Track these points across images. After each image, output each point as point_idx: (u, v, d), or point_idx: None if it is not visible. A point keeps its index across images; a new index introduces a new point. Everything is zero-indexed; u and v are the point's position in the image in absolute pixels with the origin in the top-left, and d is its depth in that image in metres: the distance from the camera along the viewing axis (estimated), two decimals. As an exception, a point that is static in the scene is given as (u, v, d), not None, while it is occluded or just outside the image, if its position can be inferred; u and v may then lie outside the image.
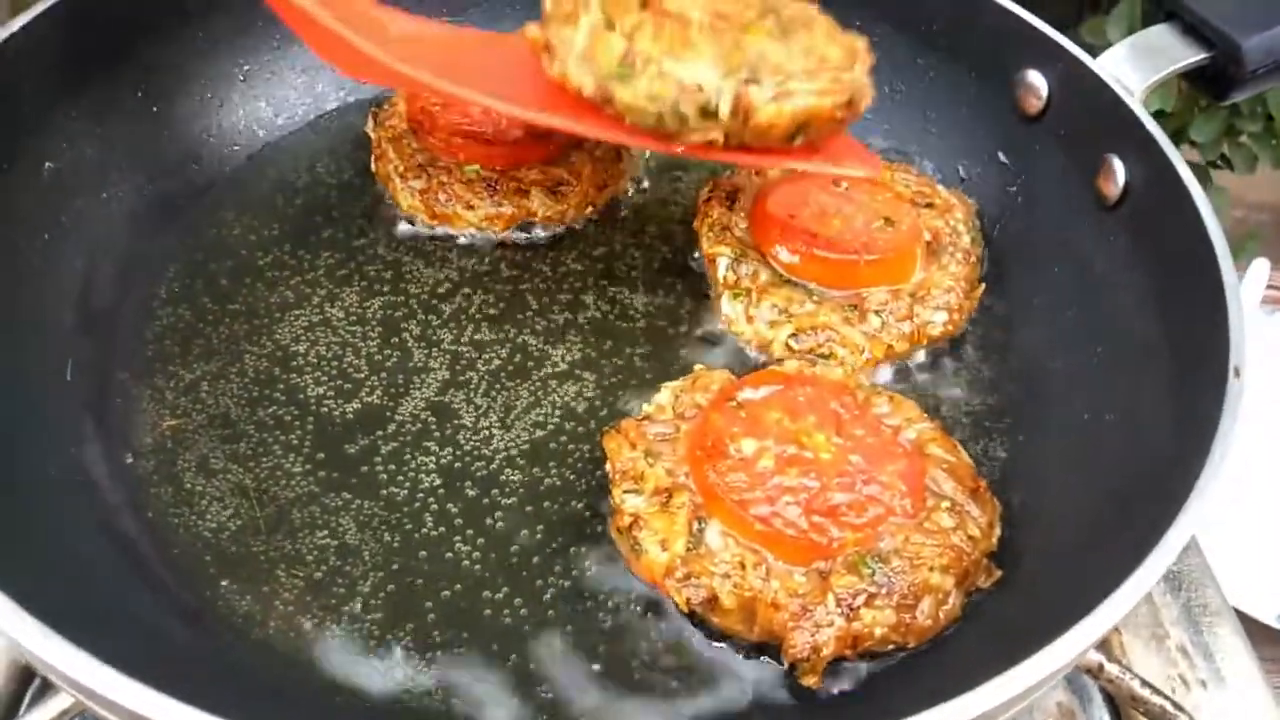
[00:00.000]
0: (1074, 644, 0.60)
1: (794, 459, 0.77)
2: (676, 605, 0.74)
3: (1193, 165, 1.79)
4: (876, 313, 0.90)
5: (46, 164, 0.90)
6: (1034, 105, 0.98)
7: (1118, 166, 0.89)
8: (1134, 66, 0.92)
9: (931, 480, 0.78)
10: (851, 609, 0.72)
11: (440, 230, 0.99)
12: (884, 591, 0.72)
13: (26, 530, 0.71)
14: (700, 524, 0.75)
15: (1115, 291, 0.89)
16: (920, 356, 0.92)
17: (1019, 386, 0.90)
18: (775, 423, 0.79)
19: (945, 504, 0.77)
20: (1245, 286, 1.69)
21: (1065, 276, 0.94)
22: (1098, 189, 0.92)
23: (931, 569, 0.73)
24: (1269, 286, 1.73)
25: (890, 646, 0.73)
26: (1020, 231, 0.99)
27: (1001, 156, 1.02)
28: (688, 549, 0.74)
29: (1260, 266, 1.71)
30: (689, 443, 0.79)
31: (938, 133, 1.06)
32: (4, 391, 0.79)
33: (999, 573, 0.77)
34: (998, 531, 0.78)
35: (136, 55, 0.99)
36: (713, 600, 0.73)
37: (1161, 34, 0.94)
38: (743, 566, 0.73)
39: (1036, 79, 0.97)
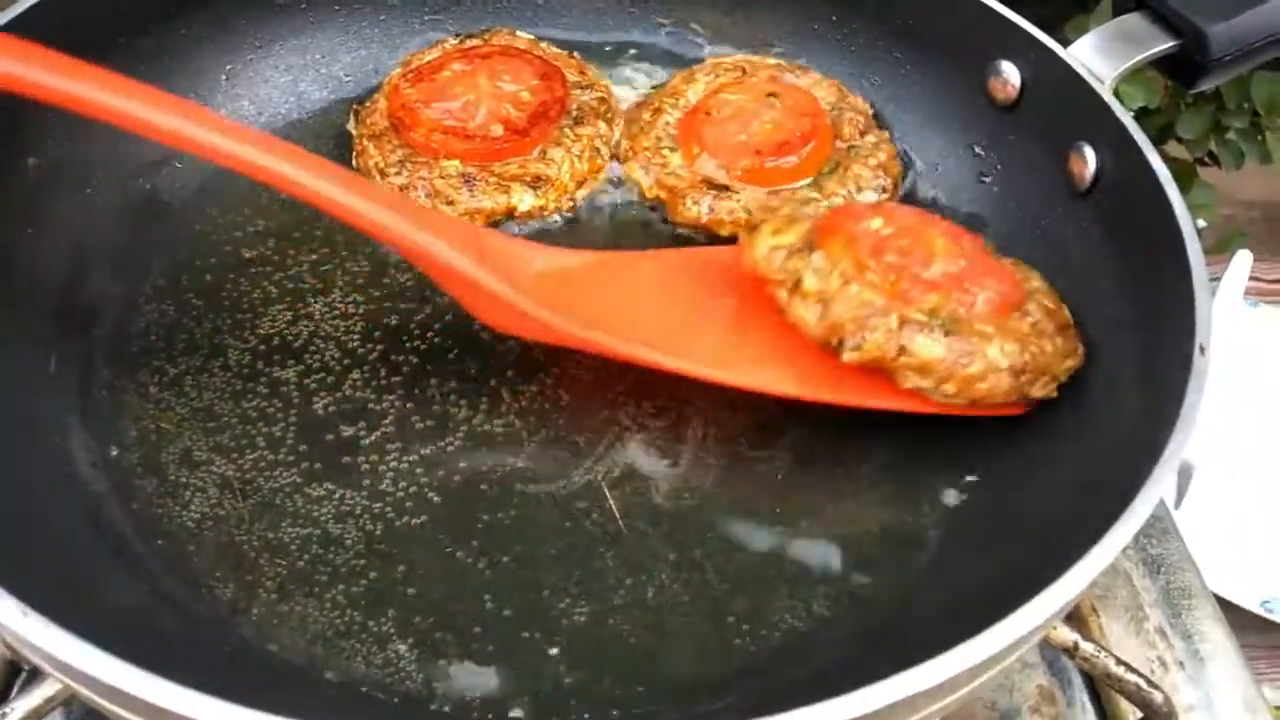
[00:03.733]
0: (1041, 610, 0.61)
1: (913, 245, 0.83)
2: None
3: (1180, 161, 1.79)
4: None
5: (30, 160, 0.91)
6: (1007, 95, 0.99)
7: (1089, 154, 0.91)
8: (1103, 55, 0.93)
9: (1027, 309, 0.83)
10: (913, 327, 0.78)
11: (422, 225, 1.00)
12: (945, 335, 0.78)
13: (12, 520, 0.72)
14: (811, 246, 0.82)
15: (1090, 277, 0.90)
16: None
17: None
18: (905, 225, 0.85)
19: (1030, 320, 0.82)
20: (1228, 278, 1.70)
21: (1042, 264, 0.95)
22: (1070, 176, 0.93)
23: (993, 340, 0.79)
24: (1251, 278, 1.74)
25: (921, 385, 0.79)
26: (996, 221, 1.00)
27: (976, 147, 1.03)
28: (794, 250, 0.82)
29: (1243, 258, 1.72)
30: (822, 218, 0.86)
31: (913, 124, 1.07)
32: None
33: (1058, 394, 0.81)
34: (1069, 365, 0.82)
35: (118, 52, 0.99)
36: (797, 285, 0.80)
37: (1131, 23, 0.95)
38: (833, 274, 0.80)
39: (1009, 69, 0.98)
